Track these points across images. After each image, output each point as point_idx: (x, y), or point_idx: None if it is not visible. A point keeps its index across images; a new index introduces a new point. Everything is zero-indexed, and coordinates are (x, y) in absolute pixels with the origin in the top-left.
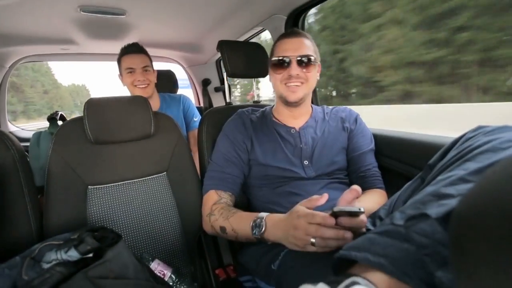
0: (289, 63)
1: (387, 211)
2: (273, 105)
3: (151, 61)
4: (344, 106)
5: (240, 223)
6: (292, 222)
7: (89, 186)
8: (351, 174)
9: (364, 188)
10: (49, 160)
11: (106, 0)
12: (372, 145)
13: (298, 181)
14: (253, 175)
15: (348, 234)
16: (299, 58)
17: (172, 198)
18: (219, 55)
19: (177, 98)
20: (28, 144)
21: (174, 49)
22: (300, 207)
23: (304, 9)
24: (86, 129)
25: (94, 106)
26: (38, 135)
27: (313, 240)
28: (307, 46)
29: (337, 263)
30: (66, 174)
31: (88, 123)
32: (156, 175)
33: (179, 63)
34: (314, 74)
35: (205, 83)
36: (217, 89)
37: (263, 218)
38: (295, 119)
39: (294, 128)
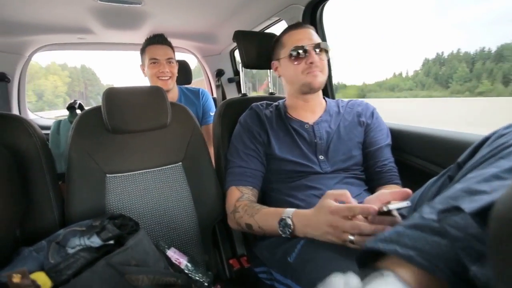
0: (307, 52)
1: (410, 208)
2: (285, 99)
3: (174, 54)
4: (360, 100)
5: (266, 221)
6: (325, 219)
7: (107, 175)
8: (367, 169)
9: (381, 184)
10: (69, 148)
11: None
12: (389, 140)
13: (315, 175)
14: (270, 170)
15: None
16: (315, 47)
17: (187, 188)
18: (233, 45)
19: (196, 91)
20: (47, 132)
21: (188, 39)
22: (329, 201)
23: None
24: (104, 118)
25: (112, 95)
26: (58, 123)
27: (351, 237)
28: (317, 37)
29: (362, 256)
30: (85, 162)
31: (106, 113)
32: (172, 165)
33: (193, 53)
34: (326, 64)
35: (219, 73)
36: (230, 80)
37: (289, 217)
38: (309, 113)
39: (308, 123)
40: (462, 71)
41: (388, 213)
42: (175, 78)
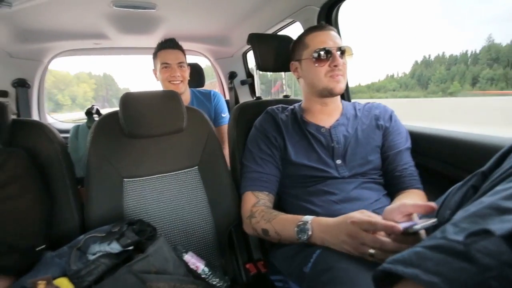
0: (331, 54)
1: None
2: (301, 102)
3: (185, 58)
4: (377, 102)
5: (283, 226)
6: (345, 229)
7: (124, 179)
8: (386, 174)
9: (401, 188)
10: (88, 152)
11: None
12: (408, 143)
13: (332, 180)
14: (285, 174)
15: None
16: (340, 49)
17: (203, 192)
18: (246, 47)
19: (207, 94)
20: (65, 135)
21: (201, 42)
22: (355, 213)
23: (338, 0)
24: (121, 123)
25: (129, 100)
26: (77, 128)
27: (371, 251)
28: (339, 38)
29: (379, 276)
30: (103, 166)
31: (123, 118)
32: (188, 169)
33: (205, 56)
34: (347, 67)
35: (232, 76)
36: (243, 82)
37: (308, 222)
38: (326, 117)
39: (324, 127)
40: (439, 74)
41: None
42: (186, 82)
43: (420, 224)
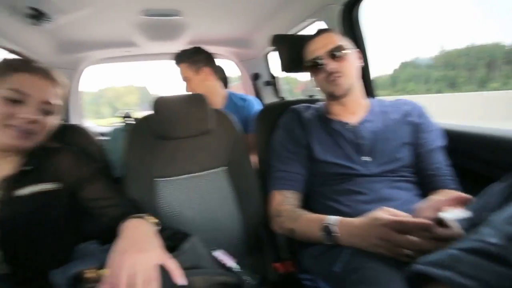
0: (322, 61)
1: (470, 221)
2: (325, 102)
3: (193, 66)
4: (407, 99)
5: (308, 227)
6: (375, 232)
7: (156, 179)
8: (419, 173)
9: (435, 188)
10: (124, 154)
11: (165, 3)
12: (443, 142)
13: (360, 178)
14: (312, 173)
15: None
16: (331, 53)
17: (231, 192)
18: (268, 49)
19: (244, 99)
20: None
21: (225, 45)
22: (381, 213)
23: None
24: (154, 126)
25: (161, 104)
26: (114, 131)
27: (407, 252)
28: (334, 39)
29: (412, 277)
30: (137, 166)
31: (156, 120)
32: (217, 169)
33: (229, 59)
34: (351, 63)
35: (255, 77)
36: (267, 83)
37: (332, 224)
38: (350, 115)
39: (350, 123)
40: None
41: (444, 223)
42: (198, 92)
43: (449, 213)
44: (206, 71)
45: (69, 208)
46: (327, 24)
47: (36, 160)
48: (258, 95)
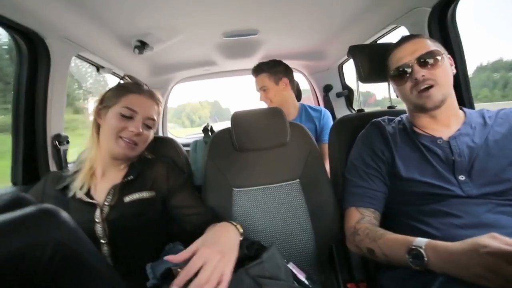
0: (410, 69)
1: None
2: (408, 114)
3: (274, 74)
4: None
5: (391, 248)
6: (479, 260)
7: (234, 188)
8: None
9: None
10: (206, 164)
11: (244, 24)
12: None
13: (454, 199)
14: (394, 191)
15: None
16: (420, 59)
17: (304, 205)
18: (342, 59)
19: (318, 110)
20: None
21: (297, 59)
22: (487, 239)
23: None
24: (232, 138)
25: (239, 118)
26: (195, 143)
27: None
28: (425, 44)
29: None
30: (217, 176)
31: (234, 133)
32: (290, 182)
33: (301, 72)
34: (445, 71)
35: (327, 89)
36: (339, 95)
37: (421, 247)
38: (442, 127)
39: (441, 138)
40: None
41: None
42: (277, 100)
43: None
44: (285, 81)
45: (160, 213)
46: (411, 30)
47: (137, 170)
48: (327, 106)
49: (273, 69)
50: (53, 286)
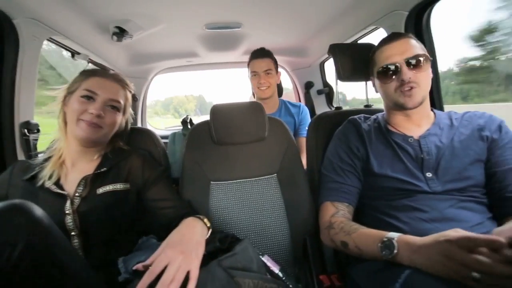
0: (398, 69)
1: None
2: (384, 113)
3: (275, 64)
4: (482, 111)
5: (365, 241)
6: (439, 248)
7: (211, 182)
8: (493, 194)
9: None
10: (183, 157)
11: (227, 16)
12: None
13: (421, 194)
14: (366, 186)
15: None
16: (408, 61)
17: (281, 200)
18: (323, 57)
19: (297, 106)
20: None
21: (279, 54)
22: (450, 232)
23: (430, 2)
24: (211, 131)
25: (218, 111)
26: (174, 135)
27: (476, 274)
28: (413, 45)
29: None
30: (195, 169)
31: (213, 126)
32: (268, 176)
33: (283, 67)
34: (427, 74)
35: (308, 86)
36: (319, 92)
37: (393, 239)
38: (414, 126)
39: (412, 137)
40: None
41: None
42: (273, 88)
43: None
44: (279, 74)
45: (135, 206)
46: (388, 32)
47: (110, 161)
48: (307, 103)
49: (275, 58)
50: (22, 285)
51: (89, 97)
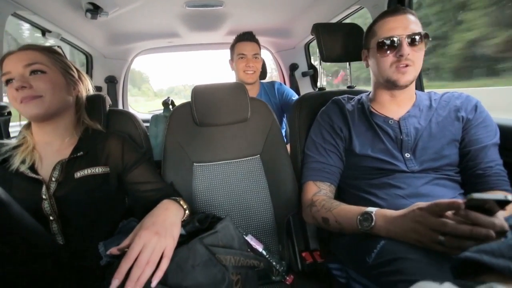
0: (399, 43)
1: None
2: (369, 92)
3: (260, 50)
4: (459, 92)
5: (345, 216)
6: (413, 215)
7: (194, 163)
8: (466, 171)
9: (485, 189)
10: (165, 139)
11: None
12: (497, 139)
13: (399, 173)
14: (348, 166)
15: (492, 233)
16: (410, 37)
17: (264, 180)
18: (308, 38)
19: (271, 84)
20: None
21: (263, 35)
22: (421, 203)
23: None
24: (193, 113)
25: (200, 92)
26: (156, 117)
27: (441, 238)
28: (415, 22)
29: (459, 266)
30: (177, 151)
31: (195, 107)
32: (251, 157)
33: (267, 49)
34: (422, 55)
35: (293, 68)
36: (304, 74)
37: (372, 212)
38: (396, 107)
39: (393, 118)
40: None
41: (474, 206)
42: (258, 73)
43: (479, 193)
44: (262, 60)
45: (116, 190)
46: (372, 11)
47: (87, 144)
48: (292, 85)
49: (260, 45)
50: None
51: (10, 79)
